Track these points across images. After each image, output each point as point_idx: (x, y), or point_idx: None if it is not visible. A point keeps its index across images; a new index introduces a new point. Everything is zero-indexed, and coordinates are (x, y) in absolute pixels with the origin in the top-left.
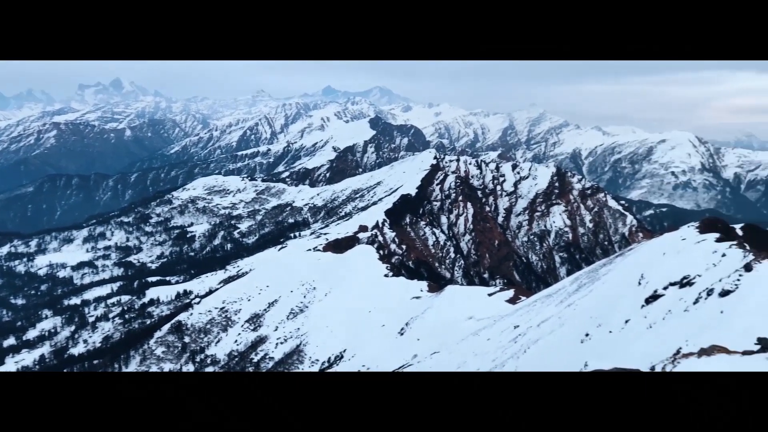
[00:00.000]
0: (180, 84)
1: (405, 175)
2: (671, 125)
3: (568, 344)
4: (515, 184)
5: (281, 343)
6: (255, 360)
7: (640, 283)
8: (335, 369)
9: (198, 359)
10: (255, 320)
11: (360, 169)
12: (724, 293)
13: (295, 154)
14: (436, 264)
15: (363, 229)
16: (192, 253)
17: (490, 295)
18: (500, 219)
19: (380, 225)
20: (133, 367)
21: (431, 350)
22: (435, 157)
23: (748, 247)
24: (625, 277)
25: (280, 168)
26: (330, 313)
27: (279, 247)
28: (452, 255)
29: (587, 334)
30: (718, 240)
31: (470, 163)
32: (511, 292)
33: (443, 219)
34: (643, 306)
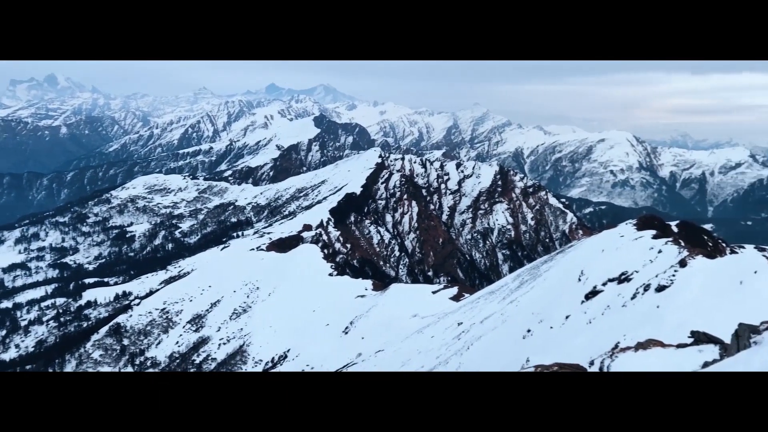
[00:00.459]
0: (119, 80)
1: (350, 174)
2: (610, 125)
3: (511, 340)
4: (459, 183)
5: (224, 343)
6: (197, 361)
7: (580, 280)
8: (279, 369)
9: (137, 362)
10: (197, 321)
11: (304, 168)
12: (660, 288)
13: (238, 153)
14: (381, 262)
15: (307, 228)
16: (132, 254)
17: (434, 292)
18: (444, 217)
19: (325, 224)
20: (68, 371)
21: (376, 348)
22: (380, 156)
23: (682, 244)
24: (566, 274)
25: (223, 166)
26: (274, 313)
27: (221, 246)
28: (397, 253)
29: (529, 330)
30: (655, 237)
31: (415, 162)
32: (454, 290)
33: (388, 217)
34: (583, 302)
